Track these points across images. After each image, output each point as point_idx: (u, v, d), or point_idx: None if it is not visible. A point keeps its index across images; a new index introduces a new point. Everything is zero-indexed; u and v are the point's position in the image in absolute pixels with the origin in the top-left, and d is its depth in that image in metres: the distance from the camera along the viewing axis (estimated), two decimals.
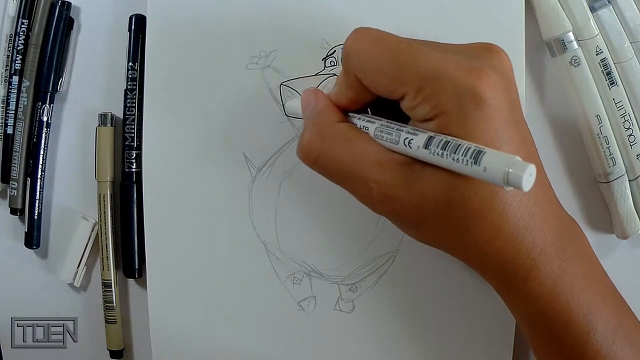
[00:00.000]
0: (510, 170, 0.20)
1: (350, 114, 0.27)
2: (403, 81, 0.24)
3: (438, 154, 0.22)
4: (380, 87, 0.25)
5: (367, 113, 0.28)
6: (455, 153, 0.22)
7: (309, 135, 0.26)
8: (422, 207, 0.24)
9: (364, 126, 0.26)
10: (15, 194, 0.36)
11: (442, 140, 0.22)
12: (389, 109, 0.26)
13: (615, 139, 0.35)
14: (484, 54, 0.25)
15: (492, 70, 0.23)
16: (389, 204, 0.25)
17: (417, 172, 0.24)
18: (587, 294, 0.26)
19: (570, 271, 0.25)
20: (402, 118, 0.25)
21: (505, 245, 0.24)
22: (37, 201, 0.36)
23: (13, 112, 0.36)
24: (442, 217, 0.24)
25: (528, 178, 0.20)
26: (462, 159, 0.21)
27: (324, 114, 0.27)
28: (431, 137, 0.23)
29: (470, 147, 0.21)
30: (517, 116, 0.25)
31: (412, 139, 0.24)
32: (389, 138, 0.25)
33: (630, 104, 0.35)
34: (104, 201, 0.36)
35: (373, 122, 0.26)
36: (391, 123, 0.25)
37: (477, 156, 0.21)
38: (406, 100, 0.24)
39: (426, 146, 0.23)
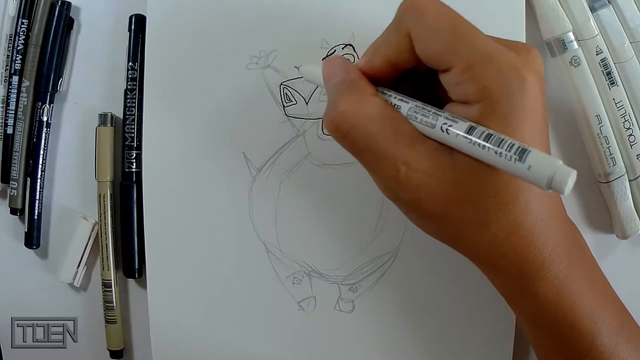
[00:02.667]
0: (555, 174, 0.20)
1: (380, 89, 0.26)
2: (457, 52, 0.23)
3: (479, 145, 0.22)
4: (431, 52, 0.24)
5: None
6: (498, 146, 0.21)
7: (344, 106, 0.24)
8: (449, 197, 0.24)
9: (396, 104, 0.25)
10: (15, 194, 0.36)
11: (484, 131, 0.22)
12: (413, 91, 0.26)
13: (615, 139, 0.35)
14: (523, 52, 0.25)
15: (534, 68, 0.23)
16: (414, 190, 0.24)
17: (449, 159, 0.24)
18: (591, 296, 0.26)
19: (577, 273, 0.26)
20: (429, 102, 0.25)
21: (521, 242, 0.24)
22: (37, 201, 0.36)
23: (13, 112, 0.36)
24: (469, 208, 0.24)
25: (570, 184, 0.20)
26: (506, 154, 0.21)
27: (358, 85, 0.25)
28: (472, 126, 0.22)
29: (514, 144, 0.21)
30: (546, 117, 0.25)
31: (451, 125, 0.23)
32: (425, 120, 0.24)
33: (630, 104, 0.35)
34: (104, 201, 0.36)
35: (406, 102, 0.25)
36: (427, 105, 0.24)
37: (522, 154, 0.21)
38: (452, 74, 0.23)
39: (467, 135, 0.22)
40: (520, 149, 0.21)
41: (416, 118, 0.24)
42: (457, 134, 0.23)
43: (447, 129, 0.23)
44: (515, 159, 0.21)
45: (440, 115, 0.23)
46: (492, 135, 0.22)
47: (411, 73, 0.26)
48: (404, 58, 0.25)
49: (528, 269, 0.25)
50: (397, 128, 0.24)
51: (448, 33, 0.23)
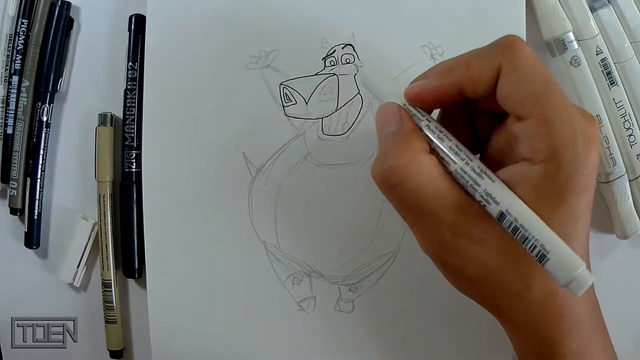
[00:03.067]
0: (572, 281, 0.21)
1: (424, 118, 0.25)
2: (542, 104, 0.23)
3: (509, 232, 0.23)
4: (517, 95, 0.23)
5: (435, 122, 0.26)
6: (523, 243, 0.22)
7: (396, 161, 0.24)
8: (492, 262, 0.24)
9: (445, 160, 0.25)
10: (15, 194, 0.36)
11: (512, 224, 0.22)
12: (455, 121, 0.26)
13: (616, 139, 0.35)
14: (591, 122, 0.24)
15: (597, 141, 0.24)
16: (457, 254, 0.24)
17: (495, 224, 0.24)
18: None
19: (594, 346, 0.26)
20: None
21: (553, 308, 0.25)
22: (37, 201, 0.36)
23: (13, 112, 0.36)
24: (510, 273, 0.24)
25: (584, 288, 0.21)
26: (529, 250, 0.22)
27: (411, 140, 0.25)
28: (503, 214, 0.23)
29: (536, 246, 0.22)
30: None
31: (484, 205, 0.23)
32: (464, 183, 0.24)
33: (630, 104, 0.35)
34: (104, 201, 0.36)
35: (454, 162, 0.24)
36: (468, 165, 0.24)
37: (541, 259, 0.21)
38: (527, 124, 0.23)
39: (498, 219, 0.23)
40: (540, 254, 0.21)
41: (460, 177, 0.24)
42: (491, 213, 0.23)
43: (483, 204, 0.23)
44: (537, 259, 0.22)
45: (477, 191, 0.23)
46: (518, 230, 0.22)
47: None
48: (478, 88, 0.24)
49: (555, 336, 0.25)
50: (447, 190, 0.24)
51: (540, 83, 0.23)
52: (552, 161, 0.22)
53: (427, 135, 0.25)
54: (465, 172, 0.24)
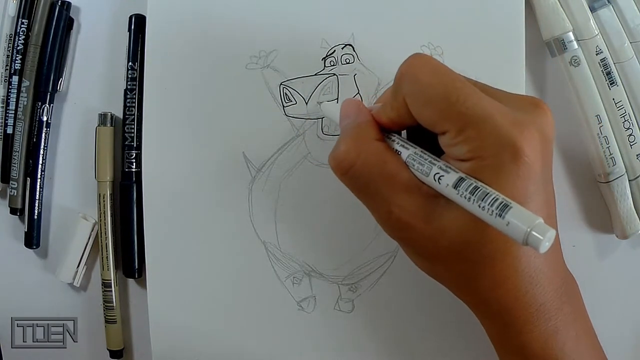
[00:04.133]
0: (531, 231, 0.20)
1: (387, 134, 0.27)
2: (449, 118, 0.24)
3: (465, 197, 0.23)
4: (426, 118, 0.25)
5: (402, 136, 0.28)
6: (482, 200, 0.22)
7: (346, 146, 0.26)
8: (436, 242, 0.25)
9: (397, 150, 0.26)
10: (15, 194, 0.36)
11: (471, 184, 0.23)
12: (424, 136, 0.26)
13: (615, 139, 0.35)
14: (530, 108, 0.25)
15: (535, 127, 0.24)
16: (404, 231, 0.26)
17: (440, 207, 0.25)
18: (576, 355, 0.26)
19: (564, 331, 0.26)
20: (435, 147, 0.26)
21: (506, 295, 0.25)
22: (37, 201, 0.36)
23: (13, 112, 0.36)
24: (454, 256, 0.25)
25: (546, 242, 0.20)
26: (488, 208, 0.22)
27: (364, 128, 0.27)
28: (462, 178, 0.23)
29: (497, 199, 0.22)
30: (547, 175, 0.25)
31: (442, 176, 0.24)
32: (420, 169, 0.25)
33: (630, 104, 0.35)
34: (104, 201, 0.36)
35: (407, 148, 0.26)
36: (425, 154, 0.25)
37: (502, 209, 0.21)
38: (446, 137, 0.24)
39: (455, 186, 0.23)
40: (502, 204, 0.21)
41: (413, 165, 0.25)
42: (447, 184, 0.23)
43: (439, 179, 0.24)
44: (496, 214, 0.21)
45: (435, 165, 0.24)
46: (478, 188, 0.22)
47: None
48: (406, 120, 0.26)
49: (513, 322, 0.26)
50: (395, 172, 0.25)
51: (440, 100, 0.24)
52: (477, 159, 0.23)
53: (386, 135, 0.27)
54: (419, 156, 0.25)
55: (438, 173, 0.24)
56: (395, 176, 0.25)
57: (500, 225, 0.21)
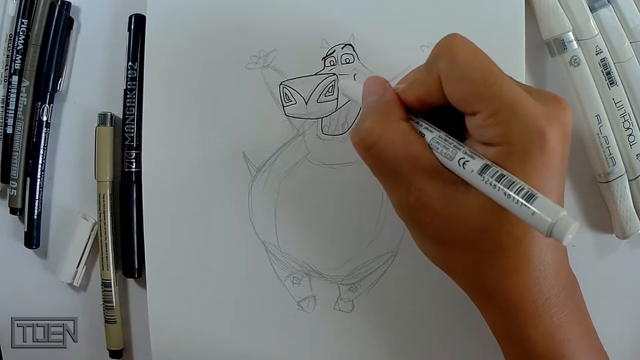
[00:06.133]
0: (557, 223, 0.20)
1: (411, 116, 0.27)
2: (483, 99, 0.24)
3: (490, 184, 0.23)
4: (458, 96, 0.25)
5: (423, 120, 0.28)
6: (508, 188, 0.22)
7: (371, 123, 0.26)
8: (453, 228, 0.25)
9: (421, 132, 0.26)
10: (15, 194, 0.36)
11: (497, 172, 0.23)
12: (443, 123, 0.26)
13: (615, 139, 0.35)
14: (554, 104, 0.25)
15: (559, 122, 0.24)
16: (421, 214, 0.25)
17: (460, 193, 0.24)
18: (579, 352, 0.26)
19: (568, 327, 0.26)
20: (455, 135, 0.25)
21: (514, 287, 0.25)
22: (37, 201, 0.36)
23: (13, 112, 0.36)
24: (469, 243, 0.25)
25: (570, 234, 0.20)
26: (513, 197, 0.22)
27: (391, 106, 0.26)
28: (487, 165, 0.23)
29: (523, 188, 0.22)
30: (564, 169, 0.25)
31: (467, 161, 0.24)
32: (445, 152, 0.25)
33: (630, 104, 0.35)
34: (104, 201, 0.36)
35: (431, 131, 0.25)
36: (449, 138, 0.25)
37: (528, 199, 0.21)
38: (477, 118, 0.24)
39: (480, 173, 0.23)
40: (528, 193, 0.21)
41: (437, 149, 0.25)
42: (472, 170, 0.23)
43: (463, 164, 0.24)
44: (522, 203, 0.21)
45: (460, 150, 0.24)
46: (504, 176, 0.22)
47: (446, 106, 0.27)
48: (435, 98, 0.26)
49: (519, 314, 0.26)
50: (417, 154, 0.25)
51: (476, 81, 0.24)
52: (505, 145, 0.23)
53: (410, 116, 0.27)
54: (443, 139, 0.25)
55: (463, 158, 0.24)
56: (418, 158, 0.25)
57: (524, 215, 0.21)
